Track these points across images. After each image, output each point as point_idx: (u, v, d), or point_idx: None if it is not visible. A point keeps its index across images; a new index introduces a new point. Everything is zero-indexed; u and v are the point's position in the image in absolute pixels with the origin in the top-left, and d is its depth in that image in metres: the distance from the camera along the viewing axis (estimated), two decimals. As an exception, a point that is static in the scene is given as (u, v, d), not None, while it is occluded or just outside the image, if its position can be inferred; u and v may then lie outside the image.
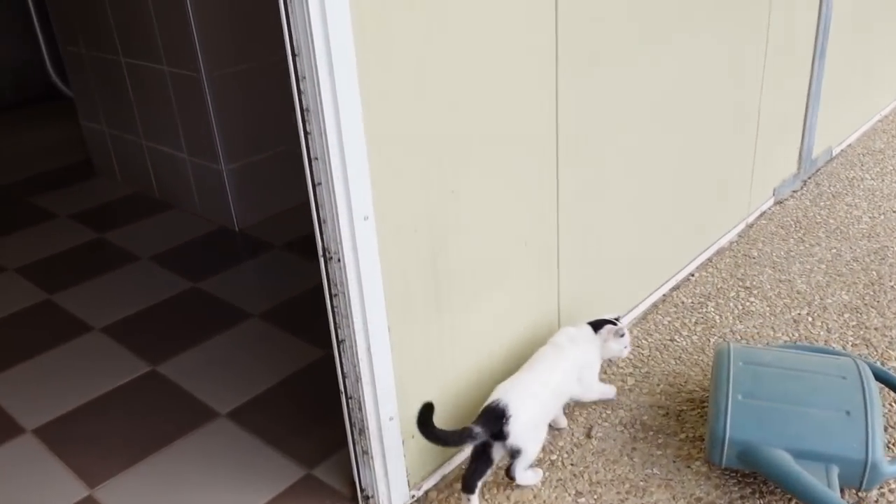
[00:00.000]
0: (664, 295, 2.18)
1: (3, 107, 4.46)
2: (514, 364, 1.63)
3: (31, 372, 2.09)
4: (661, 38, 1.84)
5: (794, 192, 2.76)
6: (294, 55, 1.15)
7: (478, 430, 1.45)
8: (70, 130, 3.77)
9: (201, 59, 2.51)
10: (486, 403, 1.50)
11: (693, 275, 2.28)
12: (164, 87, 2.73)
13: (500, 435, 1.46)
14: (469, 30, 1.34)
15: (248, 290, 2.41)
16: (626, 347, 1.72)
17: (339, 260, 1.29)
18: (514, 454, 1.50)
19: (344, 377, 1.43)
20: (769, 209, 2.64)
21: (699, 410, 1.75)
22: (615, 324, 1.70)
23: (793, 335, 1.99)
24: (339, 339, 1.38)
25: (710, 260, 2.35)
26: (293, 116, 1.21)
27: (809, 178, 2.86)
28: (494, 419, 1.46)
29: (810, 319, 2.05)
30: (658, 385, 1.85)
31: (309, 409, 1.86)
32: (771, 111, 2.42)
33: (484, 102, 1.42)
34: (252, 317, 2.26)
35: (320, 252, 1.32)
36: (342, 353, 1.40)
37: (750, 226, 2.54)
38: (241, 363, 2.06)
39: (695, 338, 2.01)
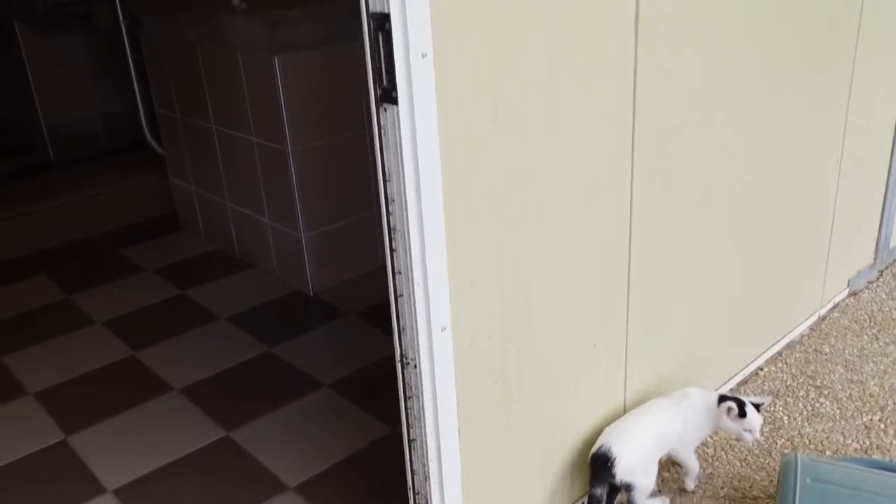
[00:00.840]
0: (731, 390, 2.17)
1: (96, 154, 4.74)
2: (580, 462, 1.65)
3: (114, 429, 2.20)
4: (736, 124, 1.86)
5: (869, 282, 2.72)
6: (385, 181, 1.23)
7: (598, 490, 1.59)
8: (158, 182, 4.00)
9: (288, 134, 2.64)
10: (592, 451, 1.64)
11: (762, 369, 2.26)
12: (251, 156, 2.88)
13: (611, 477, 1.60)
14: (548, 155, 1.40)
15: (320, 358, 2.50)
16: (749, 432, 1.71)
17: (415, 366, 1.35)
18: (627, 489, 1.62)
19: (413, 474, 1.48)
20: (843, 301, 2.61)
21: (764, 519, 1.74)
22: (741, 405, 1.70)
23: (863, 443, 1.95)
24: (411, 438, 1.44)
25: (779, 354, 2.33)
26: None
27: (886, 268, 2.81)
28: (603, 468, 1.60)
29: (882, 426, 2.01)
30: (722, 488, 1.84)
31: (374, 489, 1.91)
32: (848, 199, 2.40)
33: (559, 218, 1.48)
34: (323, 386, 2.34)
35: (398, 357, 1.38)
36: (412, 452, 1.45)
37: (822, 318, 2.51)
38: (310, 434, 2.13)
39: (761, 438, 2.00)
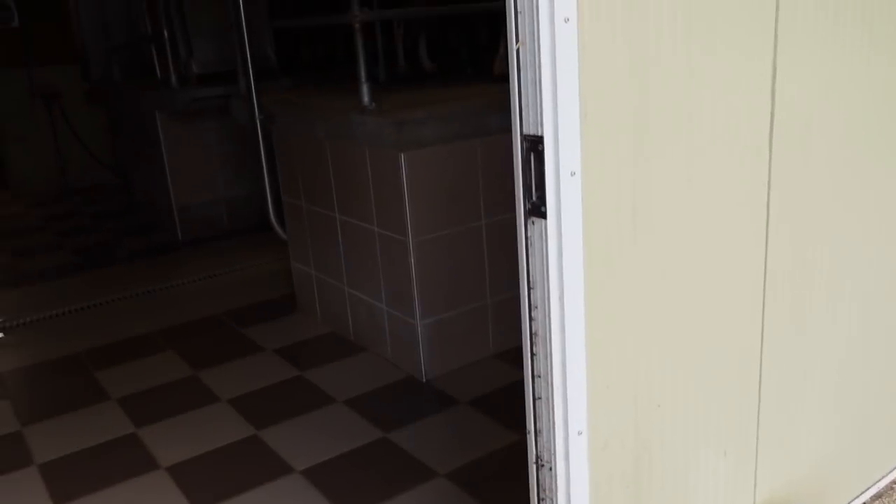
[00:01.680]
0: None
1: (220, 235, 5.05)
2: (707, 575, 1.62)
3: (240, 508, 2.30)
4: (868, 225, 1.84)
5: None
6: (529, 288, 1.30)
7: None
8: (276, 264, 4.22)
9: (409, 225, 2.77)
10: None
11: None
12: (371, 245, 3.02)
13: None
14: (683, 261, 1.44)
15: (435, 447, 2.54)
16: None
17: (550, 469, 1.38)
18: None
19: (542, 576, 1.48)
20: (983, 411, 2.46)
21: None
22: None
23: None
24: (542, 539, 1.45)
25: (916, 466, 2.22)
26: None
27: None
28: None
29: None
30: None
31: (493, 586, 1.91)
32: None
33: (692, 322, 1.50)
34: (438, 476, 2.37)
35: (532, 458, 1.41)
36: (543, 554, 1.46)
37: (961, 429, 2.38)
38: (427, 524, 2.16)
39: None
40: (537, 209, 1.24)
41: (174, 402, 2.93)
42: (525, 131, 1.21)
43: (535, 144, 1.21)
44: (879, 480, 2.13)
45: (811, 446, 1.90)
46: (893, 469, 2.18)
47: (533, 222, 1.26)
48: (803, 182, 1.61)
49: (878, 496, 2.12)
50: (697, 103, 1.36)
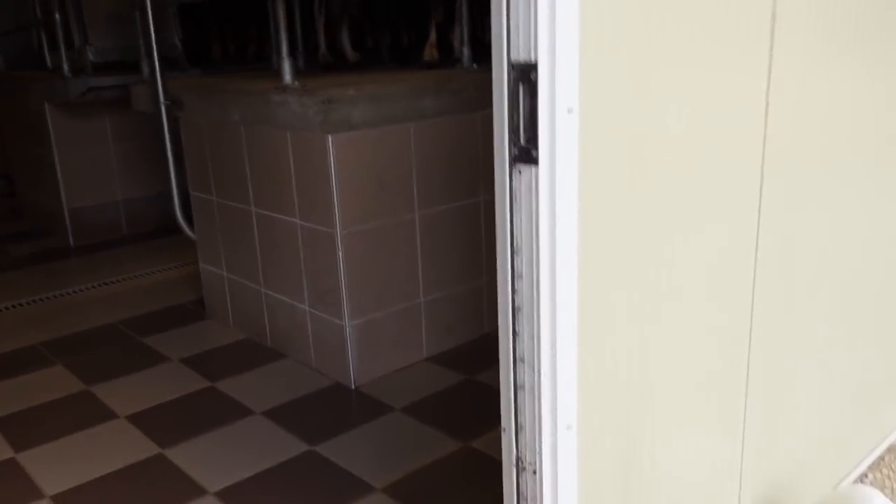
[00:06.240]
0: (837, 501, 1.95)
1: (117, 241, 4.62)
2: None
3: (143, 539, 1.96)
4: (850, 205, 1.72)
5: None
6: (513, 253, 1.07)
7: None
8: (181, 269, 3.87)
9: (337, 217, 2.51)
10: None
11: (867, 476, 2.05)
12: (292, 240, 2.74)
13: None
14: (683, 222, 1.25)
15: (369, 458, 2.27)
16: None
17: (534, 472, 1.16)
18: None
19: None
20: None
21: None
22: None
23: None
24: (521, 558, 1.22)
25: (882, 458, 2.12)
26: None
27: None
28: None
29: None
30: None
31: None
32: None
33: (688, 301, 1.31)
34: (375, 490, 2.11)
35: (511, 461, 1.19)
36: (522, 575, 1.23)
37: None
38: (366, 547, 1.90)
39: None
40: (527, 154, 1.02)
41: (63, 421, 2.55)
42: (514, 57, 1.00)
43: (526, 73, 0.99)
44: (849, 473, 2.02)
45: (792, 445, 1.75)
46: (862, 461, 2.07)
47: (520, 171, 1.04)
48: (796, 141, 1.46)
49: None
50: (702, 22, 1.18)
